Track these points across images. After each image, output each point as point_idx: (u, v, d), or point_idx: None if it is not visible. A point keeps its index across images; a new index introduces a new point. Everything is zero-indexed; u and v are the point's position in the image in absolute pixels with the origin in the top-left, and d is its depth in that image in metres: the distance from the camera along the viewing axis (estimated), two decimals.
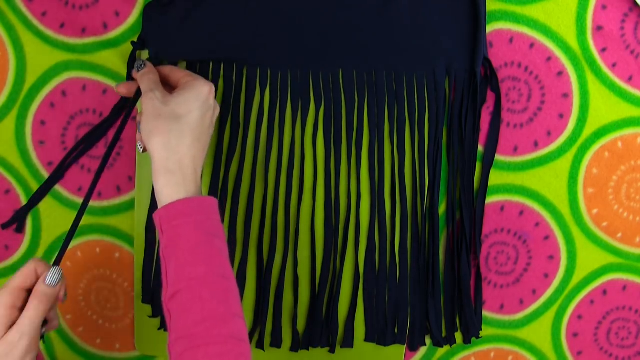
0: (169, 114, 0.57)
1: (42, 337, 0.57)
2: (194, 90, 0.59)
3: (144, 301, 0.71)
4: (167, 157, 0.56)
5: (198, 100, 0.58)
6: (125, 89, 0.64)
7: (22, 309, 0.55)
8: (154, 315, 0.71)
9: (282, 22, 0.66)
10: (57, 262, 0.58)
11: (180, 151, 0.56)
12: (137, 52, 0.66)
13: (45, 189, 0.70)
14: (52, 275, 0.56)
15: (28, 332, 0.54)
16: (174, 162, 0.56)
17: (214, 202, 0.57)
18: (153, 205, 0.69)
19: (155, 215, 0.55)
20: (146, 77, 0.61)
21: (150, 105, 0.57)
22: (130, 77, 0.66)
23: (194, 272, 0.53)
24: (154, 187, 0.56)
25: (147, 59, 0.65)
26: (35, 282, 0.56)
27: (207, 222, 0.55)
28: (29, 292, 0.56)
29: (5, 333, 0.53)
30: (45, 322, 0.57)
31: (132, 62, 0.67)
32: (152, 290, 0.70)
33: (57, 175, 0.70)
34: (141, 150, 0.62)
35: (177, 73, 0.63)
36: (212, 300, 0.52)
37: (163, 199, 0.55)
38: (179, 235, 0.54)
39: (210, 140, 0.68)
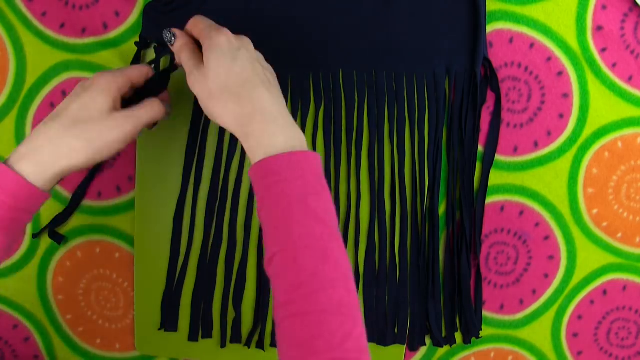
0: (217, 89, 0.53)
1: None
2: (212, 52, 0.54)
3: (165, 327, 0.71)
4: (238, 126, 0.53)
5: (223, 57, 0.54)
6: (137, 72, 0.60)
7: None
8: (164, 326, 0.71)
9: (282, 23, 0.66)
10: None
11: (242, 119, 0.53)
12: (142, 51, 0.66)
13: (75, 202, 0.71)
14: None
15: (132, 120, 0.56)
16: (247, 128, 0.53)
17: (309, 156, 0.52)
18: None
19: (249, 172, 0.53)
20: (183, 52, 0.57)
21: (197, 89, 0.55)
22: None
23: (286, 234, 0.50)
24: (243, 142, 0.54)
25: (171, 30, 0.60)
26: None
27: (299, 180, 0.51)
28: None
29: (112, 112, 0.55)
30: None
31: (136, 62, 0.67)
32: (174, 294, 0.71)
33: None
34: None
35: (196, 33, 0.59)
36: (307, 265, 0.49)
37: (251, 158, 0.53)
38: (269, 195, 0.51)
39: (211, 141, 0.68)
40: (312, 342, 0.47)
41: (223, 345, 0.71)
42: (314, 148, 0.68)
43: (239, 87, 0.53)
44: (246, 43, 0.56)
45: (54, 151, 0.54)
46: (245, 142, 0.54)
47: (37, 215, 0.71)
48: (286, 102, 0.68)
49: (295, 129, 0.54)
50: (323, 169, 0.54)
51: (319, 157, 0.53)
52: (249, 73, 0.54)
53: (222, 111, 0.54)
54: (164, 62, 0.67)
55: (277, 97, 0.55)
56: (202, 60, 0.56)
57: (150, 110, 0.57)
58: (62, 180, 0.57)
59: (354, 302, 0.49)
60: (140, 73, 0.58)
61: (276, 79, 0.57)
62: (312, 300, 0.48)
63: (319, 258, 0.49)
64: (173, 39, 0.58)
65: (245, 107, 0.53)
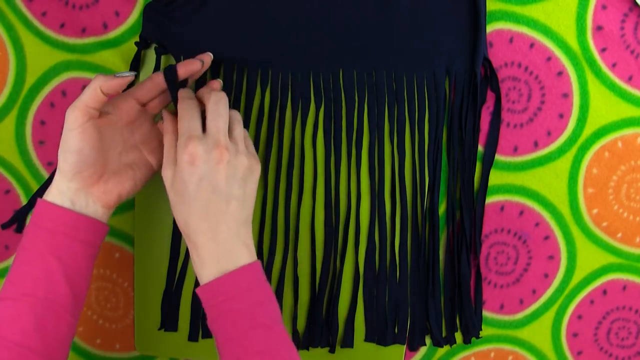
0: (173, 199, 0.56)
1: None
2: (177, 169, 0.56)
3: (165, 327, 0.71)
4: (190, 242, 0.56)
5: (183, 181, 0.55)
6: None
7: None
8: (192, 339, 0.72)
9: (282, 22, 0.66)
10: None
11: (192, 235, 0.55)
12: (142, 51, 0.66)
13: (46, 189, 0.70)
14: (124, 73, 0.58)
15: (72, 104, 0.56)
16: (196, 246, 0.55)
17: (250, 269, 0.55)
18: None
19: (197, 292, 0.56)
20: (166, 138, 0.59)
21: (165, 182, 0.58)
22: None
23: (240, 348, 0.53)
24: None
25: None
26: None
27: (245, 294, 0.54)
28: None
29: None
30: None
31: (136, 62, 0.67)
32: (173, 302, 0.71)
33: None
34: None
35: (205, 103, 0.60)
36: None
37: (199, 277, 0.56)
38: (219, 313, 0.54)
39: None
40: None
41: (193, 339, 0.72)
42: (314, 148, 0.68)
43: (188, 213, 0.55)
44: (213, 163, 0.55)
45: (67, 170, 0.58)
46: (193, 255, 0.56)
47: None
48: (286, 102, 0.68)
49: (241, 245, 0.56)
50: (264, 273, 0.57)
51: (259, 264, 0.56)
52: (201, 203, 0.55)
53: (177, 218, 0.56)
54: (164, 61, 0.67)
55: (230, 219, 0.55)
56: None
57: (87, 87, 0.56)
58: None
59: None
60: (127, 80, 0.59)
61: (252, 182, 0.58)
62: None
63: None
64: (161, 119, 0.61)
65: (191, 233, 0.55)
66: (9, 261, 0.73)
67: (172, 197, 0.56)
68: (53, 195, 0.58)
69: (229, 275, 0.55)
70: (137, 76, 0.68)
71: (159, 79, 0.59)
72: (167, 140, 0.59)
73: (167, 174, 0.57)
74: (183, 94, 0.59)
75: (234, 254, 0.55)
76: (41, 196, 0.70)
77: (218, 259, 0.55)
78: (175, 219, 0.57)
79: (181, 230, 0.57)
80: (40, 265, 0.56)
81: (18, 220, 0.71)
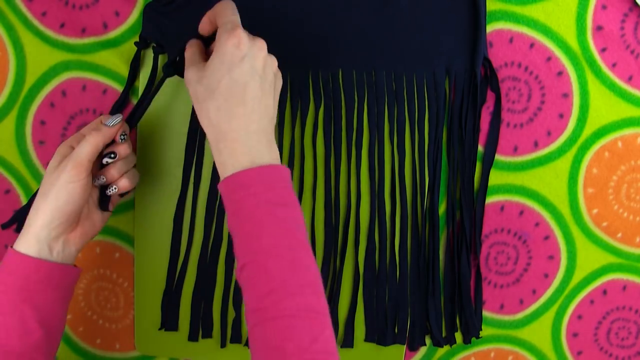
0: (202, 93, 0.54)
1: (107, 199, 0.62)
2: (217, 55, 0.54)
3: (165, 327, 0.71)
4: (212, 135, 0.54)
5: (223, 64, 0.54)
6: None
7: None
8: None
9: (282, 22, 0.66)
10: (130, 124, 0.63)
11: (221, 127, 0.54)
12: (142, 51, 0.67)
13: None
14: (112, 118, 0.60)
15: (73, 157, 0.58)
16: (220, 140, 0.54)
17: (277, 170, 0.54)
18: (214, 177, 0.69)
19: (219, 187, 0.55)
20: (189, 50, 0.59)
21: (188, 87, 0.56)
22: (148, 88, 0.67)
23: (257, 245, 0.52)
24: (215, 159, 0.55)
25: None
26: None
27: (268, 193, 0.53)
28: None
29: None
30: (110, 186, 0.61)
31: (136, 62, 0.67)
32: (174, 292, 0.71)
33: None
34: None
35: (217, 24, 0.58)
36: (278, 273, 0.51)
37: (221, 172, 0.55)
38: (239, 208, 0.53)
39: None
40: (283, 346, 0.49)
41: (223, 345, 0.71)
42: (314, 148, 0.68)
43: (224, 99, 0.54)
44: (257, 49, 0.55)
45: (40, 217, 0.58)
46: (216, 155, 0.55)
47: None
48: (286, 101, 0.68)
49: (269, 146, 0.55)
50: (291, 182, 0.56)
51: (288, 171, 0.55)
52: (240, 87, 0.54)
53: (202, 114, 0.55)
54: (162, 60, 0.67)
55: (263, 111, 0.55)
56: (205, 60, 0.57)
57: (83, 142, 0.59)
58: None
59: (322, 307, 0.51)
60: (95, 126, 0.61)
61: (278, 89, 0.57)
62: (282, 306, 0.50)
63: (288, 266, 0.51)
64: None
65: (222, 122, 0.54)
66: None
67: (201, 91, 0.54)
68: (29, 244, 0.57)
69: (260, 168, 0.53)
70: (137, 76, 0.68)
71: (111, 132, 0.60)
72: (192, 48, 0.59)
73: (191, 74, 0.55)
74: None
75: (264, 151, 0.54)
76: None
77: (249, 148, 0.54)
78: (202, 112, 0.55)
79: (206, 124, 0.55)
80: (14, 315, 0.56)
81: (18, 220, 0.71)
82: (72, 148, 0.59)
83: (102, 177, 0.61)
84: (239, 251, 0.53)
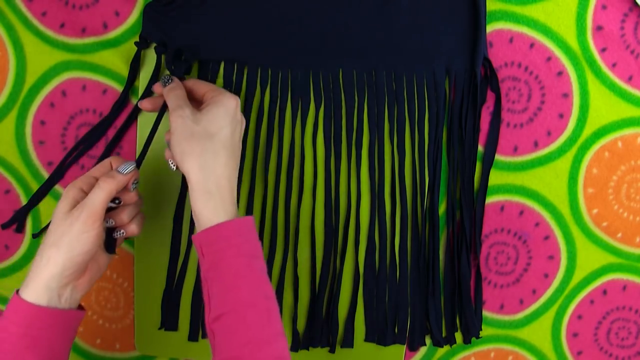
0: (201, 132, 0.56)
1: (114, 242, 0.61)
2: (222, 106, 0.58)
3: (165, 327, 0.71)
4: (205, 178, 0.56)
5: (227, 116, 0.58)
6: (150, 105, 0.63)
7: None
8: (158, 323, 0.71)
9: (282, 22, 0.66)
10: (139, 162, 0.61)
11: (216, 171, 0.56)
12: (142, 51, 0.66)
13: (46, 189, 0.70)
14: (125, 166, 0.59)
15: (88, 206, 0.56)
16: (212, 183, 0.56)
17: (251, 221, 0.57)
18: (191, 224, 0.69)
19: (195, 239, 0.56)
20: (173, 93, 0.60)
21: (180, 124, 0.57)
22: (148, 90, 0.66)
23: (237, 295, 0.54)
24: (192, 209, 0.56)
25: (172, 75, 0.63)
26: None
27: (246, 245, 0.55)
28: None
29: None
30: (117, 229, 0.61)
31: (136, 62, 0.67)
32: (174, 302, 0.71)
33: (57, 175, 0.70)
34: (173, 168, 0.61)
35: (201, 87, 0.62)
36: (256, 323, 0.53)
37: (202, 222, 0.56)
38: (220, 259, 0.54)
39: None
40: None
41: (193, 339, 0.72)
42: (314, 148, 0.68)
43: (222, 146, 0.56)
44: (243, 121, 0.61)
45: (48, 267, 0.56)
46: (199, 203, 0.56)
47: (37, 215, 0.71)
48: (286, 102, 0.68)
49: (234, 201, 0.57)
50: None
51: (253, 220, 0.58)
52: (235, 141, 0.58)
53: (194, 155, 0.56)
54: (164, 59, 0.67)
55: (235, 168, 0.58)
56: (192, 105, 0.59)
57: (101, 185, 0.57)
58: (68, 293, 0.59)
59: (287, 354, 0.54)
60: (103, 166, 0.60)
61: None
62: (259, 355, 0.52)
63: (266, 316, 0.54)
64: (170, 81, 0.61)
65: (216, 169, 0.56)
66: (9, 261, 0.73)
67: (199, 130, 0.56)
68: (38, 293, 0.56)
69: (238, 221, 0.55)
70: (137, 76, 0.68)
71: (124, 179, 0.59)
72: (177, 92, 0.60)
73: (186, 111, 0.57)
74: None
75: (234, 203, 0.57)
76: (42, 197, 0.70)
77: (231, 200, 0.56)
78: (195, 154, 0.56)
79: (195, 167, 0.56)
80: None
81: (18, 220, 0.71)
82: (82, 191, 0.58)
83: (110, 220, 0.60)
84: (216, 301, 0.54)
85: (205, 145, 0.56)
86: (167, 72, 0.65)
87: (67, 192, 0.57)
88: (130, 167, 0.59)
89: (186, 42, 0.66)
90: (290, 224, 0.69)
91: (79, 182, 0.58)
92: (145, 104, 0.64)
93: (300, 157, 0.69)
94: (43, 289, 0.56)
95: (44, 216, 0.71)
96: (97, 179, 0.58)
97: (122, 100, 0.68)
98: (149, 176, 0.69)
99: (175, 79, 0.62)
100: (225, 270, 0.54)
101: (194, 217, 0.57)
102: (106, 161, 0.60)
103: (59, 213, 0.57)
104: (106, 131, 0.69)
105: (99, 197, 0.56)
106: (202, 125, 0.56)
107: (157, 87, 0.63)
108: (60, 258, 0.56)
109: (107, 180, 0.57)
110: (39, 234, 0.71)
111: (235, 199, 0.57)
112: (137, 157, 0.66)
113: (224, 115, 0.57)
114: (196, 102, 0.62)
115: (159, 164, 0.69)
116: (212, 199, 0.55)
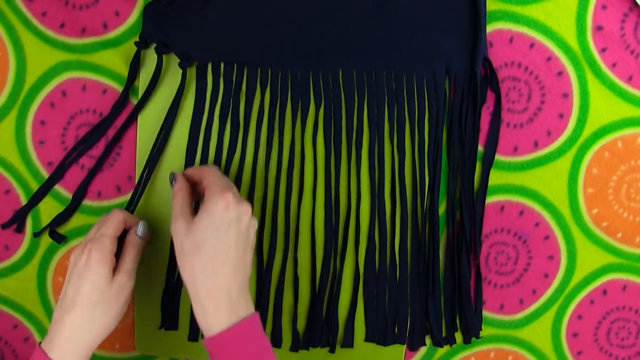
0: (189, 248, 0.57)
1: None
2: (207, 214, 0.57)
3: (165, 326, 0.71)
4: (196, 292, 0.56)
5: (212, 225, 0.56)
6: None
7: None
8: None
9: (282, 22, 0.66)
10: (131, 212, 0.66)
11: (207, 284, 0.56)
12: (142, 51, 0.67)
13: (46, 188, 0.70)
14: (141, 228, 0.64)
15: (132, 275, 0.61)
16: (204, 297, 0.56)
17: (256, 318, 0.57)
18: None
19: (205, 342, 0.56)
20: (175, 199, 0.61)
21: (175, 239, 0.58)
22: (149, 90, 0.67)
23: None
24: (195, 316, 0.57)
25: (176, 172, 0.64)
26: (123, 231, 0.63)
27: (253, 344, 0.56)
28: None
29: (113, 276, 0.60)
30: None
31: (136, 62, 0.67)
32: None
33: (57, 175, 0.70)
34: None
35: (199, 179, 0.63)
36: None
37: (204, 331, 0.56)
38: None
39: (211, 142, 0.68)
40: None
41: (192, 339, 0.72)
42: (314, 148, 0.68)
43: (209, 257, 0.56)
44: (242, 212, 0.58)
45: (86, 336, 0.58)
46: (198, 312, 0.56)
47: (37, 215, 0.71)
48: (286, 102, 0.68)
49: (246, 296, 0.58)
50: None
51: (258, 317, 0.57)
52: (225, 247, 0.57)
53: (186, 268, 0.57)
54: (165, 59, 0.67)
55: (243, 268, 0.58)
56: (190, 211, 0.60)
57: (132, 252, 0.62)
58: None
59: None
60: (119, 224, 0.62)
61: (254, 242, 0.61)
62: None
63: None
64: (174, 181, 0.62)
65: (207, 279, 0.56)
66: (9, 261, 0.73)
67: (188, 246, 0.57)
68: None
69: (241, 324, 0.55)
70: (137, 76, 0.68)
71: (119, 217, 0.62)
72: (180, 197, 0.61)
73: (179, 226, 0.58)
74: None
75: (243, 304, 0.57)
76: (42, 196, 0.70)
77: (232, 304, 0.56)
78: (186, 267, 0.57)
79: (188, 279, 0.57)
80: None
81: (18, 220, 0.71)
82: (111, 253, 0.60)
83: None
84: None
85: (192, 261, 0.56)
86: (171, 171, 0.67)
87: (103, 259, 0.59)
88: (144, 228, 0.64)
89: (186, 42, 0.66)
90: (290, 224, 0.69)
91: (106, 245, 0.60)
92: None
93: (301, 157, 0.69)
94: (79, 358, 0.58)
95: (44, 216, 0.71)
96: (115, 237, 0.61)
97: (123, 101, 0.68)
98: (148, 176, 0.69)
99: (179, 177, 0.63)
100: None
101: (198, 318, 0.57)
102: (116, 216, 0.62)
103: (102, 280, 0.59)
104: (106, 131, 0.69)
105: (131, 255, 0.62)
106: (191, 237, 0.57)
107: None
108: (110, 324, 0.59)
109: (132, 244, 0.62)
110: (40, 233, 0.71)
111: (241, 297, 0.57)
112: (136, 181, 0.67)
113: (209, 224, 0.56)
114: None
115: (158, 165, 0.69)
116: (207, 312, 0.56)
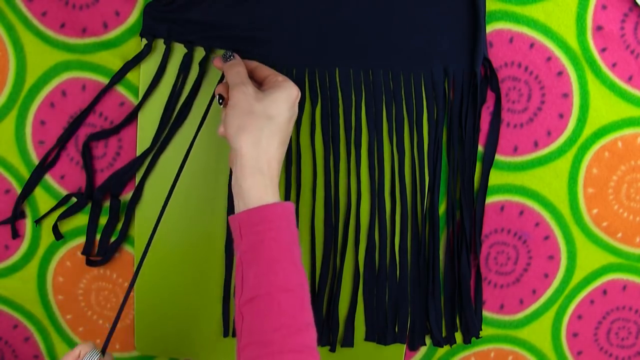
0: (261, 111, 0.56)
1: None
2: (285, 92, 0.58)
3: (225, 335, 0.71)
4: (258, 156, 0.55)
5: (288, 102, 0.57)
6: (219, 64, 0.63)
7: None
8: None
9: (279, 21, 0.66)
10: (103, 349, 0.59)
11: (269, 152, 0.56)
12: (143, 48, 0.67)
13: (37, 175, 0.70)
14: (90, 357, 0.58)
15: None
16: (264, 162, 0.55)
17: (292, 207, 0.56)
18: (230, 205, 0.68)
19: (235, 219, 0.55)
20: (235, 70, 0.60)
21: (242, 99, 0.56)
22: (151, 87, 0.66)
23: (274, 280, 0.53)
24: (240, 185, 0.55)
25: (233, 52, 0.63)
26: None
27: (287, 230, 0.55)
28: None
29: None
30: None
31: (136, 61, 0.67)
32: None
33: (49, 164, 0.70)
34: (220, 104, 0.60)
35: (264, 70, 0.62)
36: (290, 309, 0.52)
37: (249, 200, 0.55)
38: (260, 241, 0.54)
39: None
40: None
41: (225, 335, 0.72)
42: (313, 147, 0.68)
43: (279, 129, 0.56)
44: (295, 117, 0.60)
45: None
46: (246, 181, 0.55)
47: (38, 215, 0.71)
48: None
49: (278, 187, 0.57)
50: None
51: (294, 207, 0.57)
52: (289, 128, 0.58)
53: (246, 132, 0.56)
54: (175, 49, 0.67)
55: (283, 155, 0.58)
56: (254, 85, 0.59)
57: None
58: None
59: (315, 345, 0.53)
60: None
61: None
62: (290, 342, 0.51)
63: (299, 304, 0.53)
64: (232, 57, 0.62)
65: (270, 150, 0.56)
66: (9, 261, 0.73)
67: (259, 110, 0.56)
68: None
69: (283, 205, 0.55)
70: (129, 70, 0.68)
71: None
72: (242, 68, 0.60)
73: (250, 89, 0.57)
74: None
75: (278, 189, 0.57)
76: (36, 182, 0.70)
77: (276, 184, 0.56)
78: (251, 131, 0.55)
79: (249, 145, 0.55)
80: None
81: (15, 212, 0.71)
82: None
83: None
84: (250, 283, 0.53)
85: (263, 124, 0.56)
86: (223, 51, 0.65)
87: None
88: (94, 357, 0.58)
89: (185, 41, 0.66)
90: None
91: None
92: (217, 63, 0.63)
93: (298, 156, 0.69)
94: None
95: (42, 209, 0.71)
96: None
97: (106, 90, 0.68)
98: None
99: (237, 56, 0.62)
100: (264, 254, 0.53)
101: (238, 195, 0.56)
102: (75, 351, 0.59)
103: None
104: (86, 118, 0.69)
105: None
106: (264, 104, 0.56)
107: (217, 62, 0.63)
108: None
109: None
110: (40, 220, 0.71)
111: (278, 184, 0.57)
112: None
113: (286, 100, 0.57)
114: (256, 84, 0.62)
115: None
116: (263, 178, 0.55)
